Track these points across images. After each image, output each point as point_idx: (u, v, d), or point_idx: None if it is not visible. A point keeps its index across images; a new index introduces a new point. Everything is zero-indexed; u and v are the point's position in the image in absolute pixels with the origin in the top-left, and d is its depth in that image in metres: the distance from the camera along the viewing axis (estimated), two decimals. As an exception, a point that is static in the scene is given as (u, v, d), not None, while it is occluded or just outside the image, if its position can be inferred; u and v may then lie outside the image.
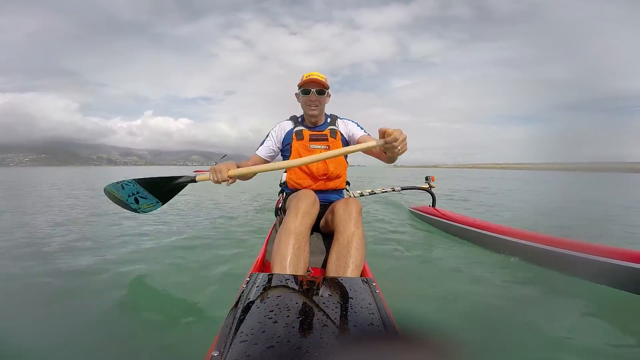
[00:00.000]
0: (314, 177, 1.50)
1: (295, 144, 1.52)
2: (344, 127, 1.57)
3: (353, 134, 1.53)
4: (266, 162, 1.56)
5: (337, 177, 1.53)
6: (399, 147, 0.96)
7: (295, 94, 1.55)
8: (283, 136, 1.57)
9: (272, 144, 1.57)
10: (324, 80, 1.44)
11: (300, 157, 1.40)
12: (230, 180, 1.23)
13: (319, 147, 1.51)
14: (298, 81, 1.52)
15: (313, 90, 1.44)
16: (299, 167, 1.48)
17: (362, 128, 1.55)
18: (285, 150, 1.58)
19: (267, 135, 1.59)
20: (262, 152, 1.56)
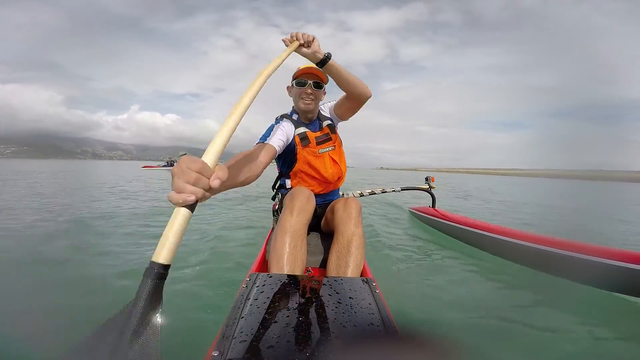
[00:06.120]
0: (327, 182, 1.41)
1: (303, 152, 1.35)
2: (328, 112, 1.46)
3: (332, 108, 1.45)
4: (279, 154, 1.27)
5: (344, 174, 1.49)
6: (302, 41, 1.05)
7: (288, 87, 1.42)
8: (288, 138, 1.32)
9: (284, 138, 1.26)
10: (322, 73, 1.29)
11: (311, 165, 1.36)
12: (209, 194, 0.55)
13: (327, 149, 1.40)
14: (287, 79, 1.41)
15: (310, 82, 1.31)
16: (308, 173, 1.38)
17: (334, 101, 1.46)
18: (287, 154, 1.37)
19: (277, 128, 1.27)
20: (277, 143, 1.20)
